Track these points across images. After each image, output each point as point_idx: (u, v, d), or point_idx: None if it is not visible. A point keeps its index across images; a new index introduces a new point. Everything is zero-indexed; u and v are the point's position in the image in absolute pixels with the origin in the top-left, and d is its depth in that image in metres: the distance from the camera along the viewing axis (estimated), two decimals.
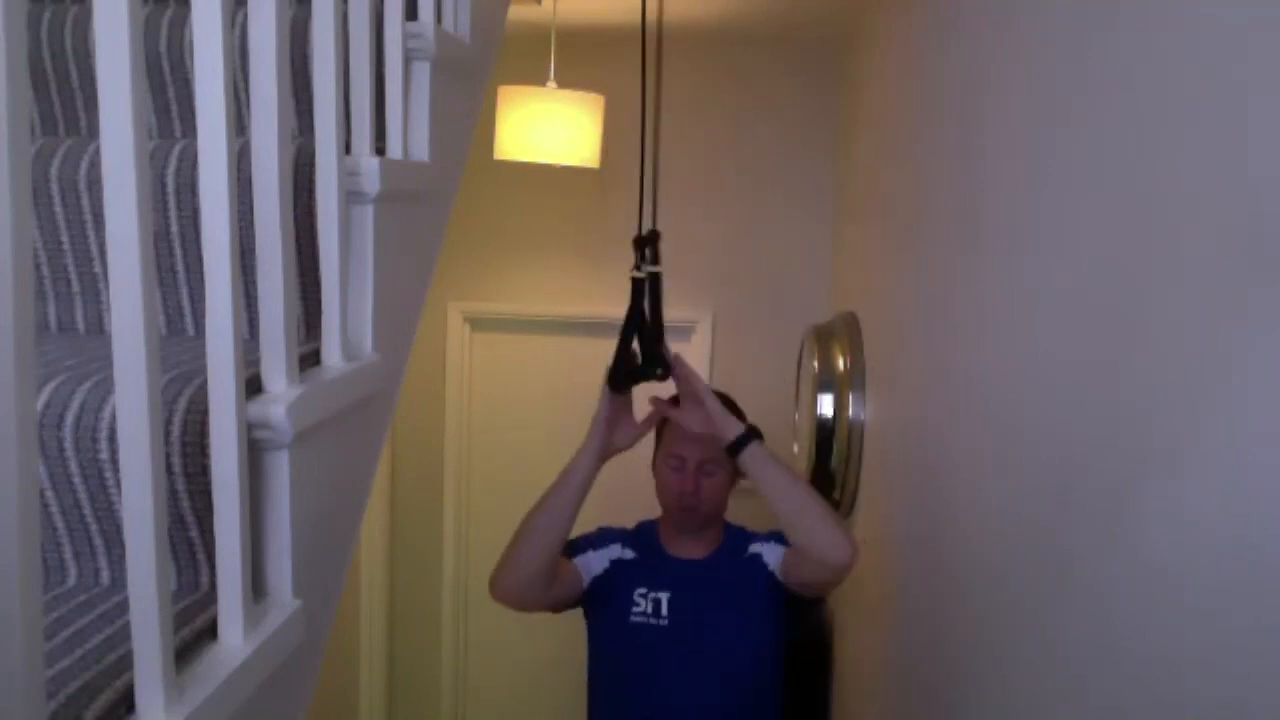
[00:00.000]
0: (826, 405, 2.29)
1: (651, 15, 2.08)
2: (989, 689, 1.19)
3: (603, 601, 1.82)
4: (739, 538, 1.89)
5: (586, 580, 1.82)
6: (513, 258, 3.36)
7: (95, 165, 1.04)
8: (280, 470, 0.83)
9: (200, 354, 0.91)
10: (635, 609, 1.79)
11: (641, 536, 1.90)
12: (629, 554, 1.84)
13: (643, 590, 1.80)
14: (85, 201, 1.05)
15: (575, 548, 1.83)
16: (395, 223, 1.11)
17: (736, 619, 1.80)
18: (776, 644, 1.83)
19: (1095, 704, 0.86)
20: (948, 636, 1.40)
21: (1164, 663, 0.73)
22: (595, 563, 1.83)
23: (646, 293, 1.64)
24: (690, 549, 1.85)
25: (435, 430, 3.45)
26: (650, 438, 1.83)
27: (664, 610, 1.78)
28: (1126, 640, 0.80)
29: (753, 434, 1.63)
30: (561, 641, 3.51)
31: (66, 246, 1.06)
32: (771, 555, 1.80)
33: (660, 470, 1.82)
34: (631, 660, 1.80)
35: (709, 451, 1.74)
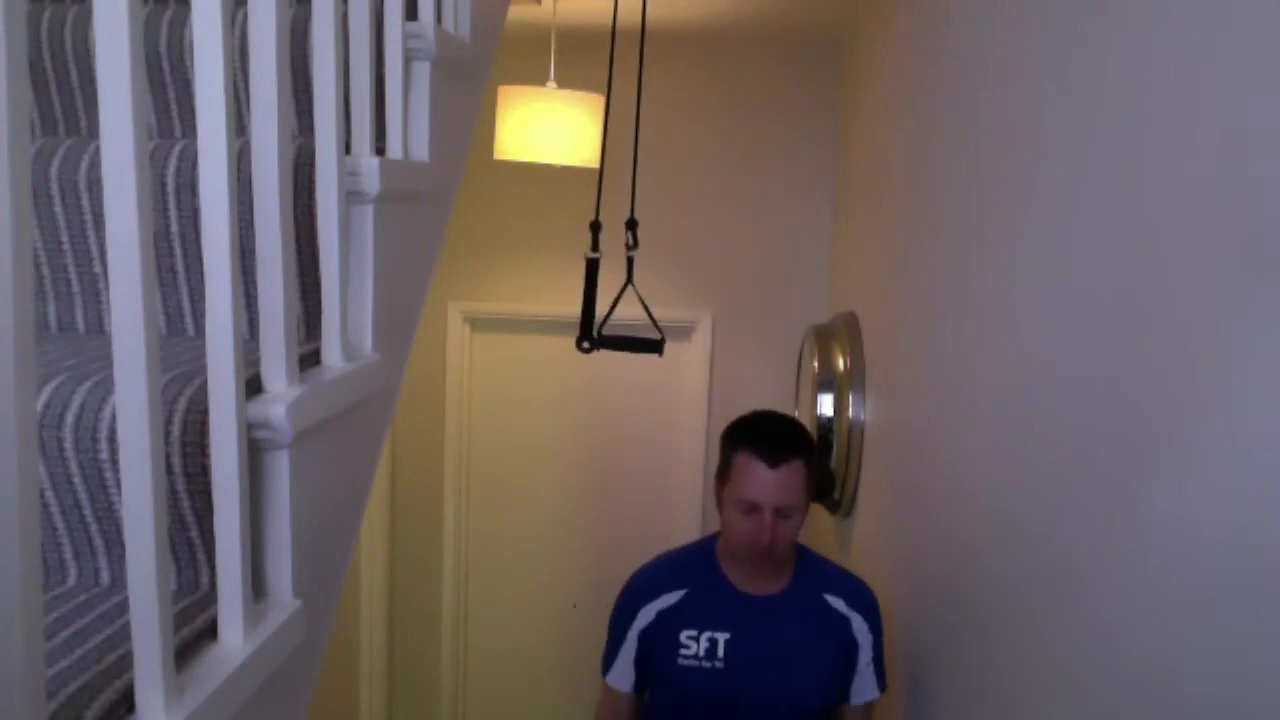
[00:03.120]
0: (826, 405, 2.29)
1: (634, 15, 2.08)
2: (987, 688, 1.19)
3: (650, 653, 1.69)
4: (814, 569, 1.74)
5: (633, 677, 1.73)
6: (513, 258, 3.36)
7: (95, 165, 1.04)
8: (280, 470, 0.83)
9: (200, 354, 0.91)
10: (684, 651, 1.64)
11: (699, 567, 1.72)
12: (676, 596, 1.68)
13: (691, 632, 1.65)
14: (85, 201, 1.05)
15: (613, 658, 1.73)
16: (395, 223, 1.11)
17: (807, 662, 1.66)
18: (836, 691, 1.71)
19: (1095, 703, 0.86)
20: (947, 636, 1.40)
21: (1164, 662, 0.73)
22: (641, 621, 1.70)
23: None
24: (761, 585, 1.68)
25: (435, 430, 3.45)
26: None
27: (720, 652, 1.63)
28: (1126, 639, 0.80)
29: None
30: (562, 642, 3.52)
31: (66, 246, 1.06)
32: (863, 639, 1.69)
33: (729, 512, 1.63)
34: (683, 708, 1.68)
35: (786, 498, 1.57)
